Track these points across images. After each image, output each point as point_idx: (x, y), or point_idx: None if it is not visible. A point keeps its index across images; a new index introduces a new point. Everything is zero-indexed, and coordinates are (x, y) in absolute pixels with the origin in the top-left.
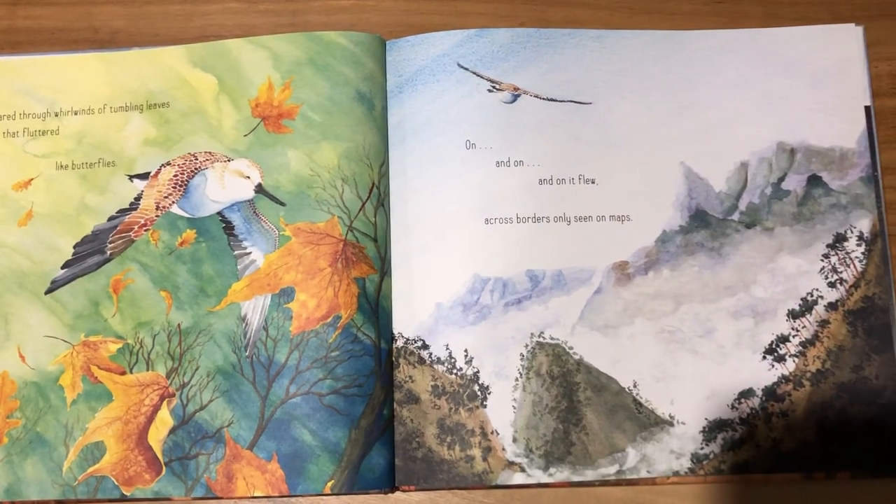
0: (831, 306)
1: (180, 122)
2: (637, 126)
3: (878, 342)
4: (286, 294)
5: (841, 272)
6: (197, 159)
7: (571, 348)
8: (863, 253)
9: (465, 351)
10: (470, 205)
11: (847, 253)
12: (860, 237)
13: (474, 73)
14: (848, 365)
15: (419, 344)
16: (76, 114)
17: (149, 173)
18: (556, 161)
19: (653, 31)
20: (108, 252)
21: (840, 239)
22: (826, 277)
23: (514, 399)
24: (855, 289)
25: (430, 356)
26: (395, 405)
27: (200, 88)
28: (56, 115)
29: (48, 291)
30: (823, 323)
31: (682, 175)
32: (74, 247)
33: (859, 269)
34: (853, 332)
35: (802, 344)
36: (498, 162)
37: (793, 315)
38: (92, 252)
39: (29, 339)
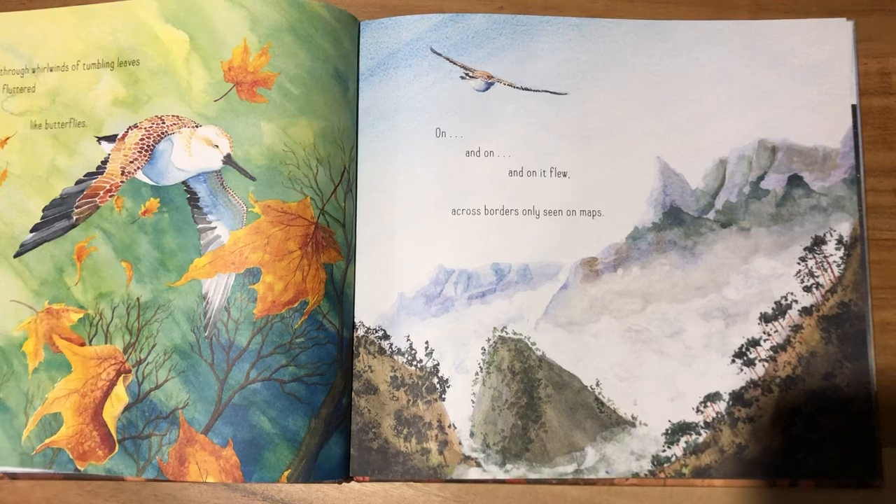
0: (805, 311)
1: (149, 81)
2: (613, 118)
3: (852, 350)
4: (252, 274)
5: (817, 276)
6: (164, 123)
7: (534, 344)
8: (841, 257)
9: (426, 343)
10: (437, 194)
11: (825, 257)
12: (839, 241)
13: (447, 59)
14: (819, 372)
15: (380, 334)
16: (51, 70)
17: (116, 136)
18: (527, 152)
19: (634, 20)
20: (75, 217)
21: (818, 242)
22: (802, 281)
23: (474, 393)
24: (831, 294)
25: (390, 347)
26: (353, 395)
27: (171, 46)
28: (33, 72)
29: (17, 255)
30: (796, 328)
31: (658, 171)
32: (43, 210)
33: (837, 273)
34: (826, 339)
35: (773, 349)
36: (468, 151)
37: (765, 319)
38: (59, 216)
39: None
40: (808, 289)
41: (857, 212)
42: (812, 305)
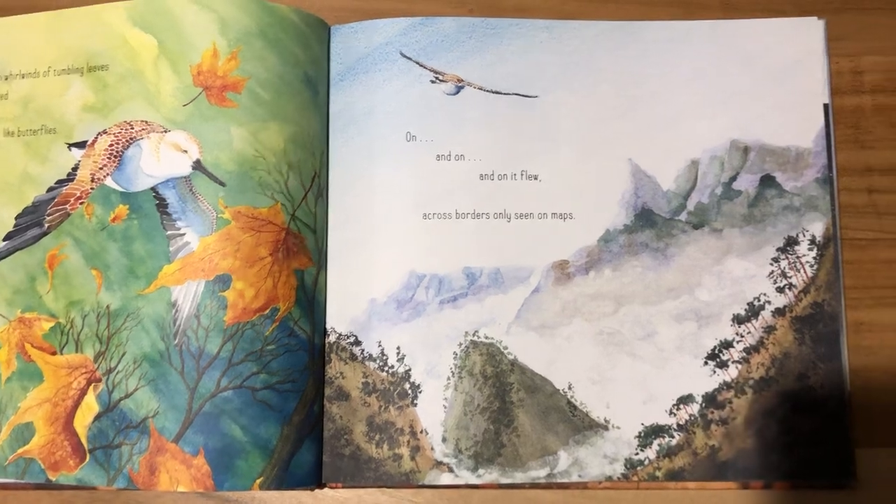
0: (778, 312)
1: (118, 86)
2: (584, 121)
3: (826, 350)
4: (222, 281)
5: (790, 277)
6: (133, 128)
7: (506, 348)
8: (814, 258)
9: (398, 348)
10: (408, 199)
11: (798, 257)
12: (812, 241)
13: (417, 62)
14: (793, 373)
15: (351, 340)
16: (24, 77)
17: (86, 142)
18: (498, 156)
19: (605, 21)
20: (46, 225)
21: (791, 242)
22: (775, 282)
23: (445, 398)
24: (804, 294)
25: (362, 352)
26: (325, 401)
27: (140, 50)
28: (6, 79)
29: None
30: (769, 329)
31: (629, 172)
32: (16, 218)
33: (810, 274)
34: (800, 340)
35: (746, 350)
36: (438, 155)
37: (738, 320)
38: (31, 224)
39: None
40: (780, 289)
41: (829, 211)
42: (785, 306)
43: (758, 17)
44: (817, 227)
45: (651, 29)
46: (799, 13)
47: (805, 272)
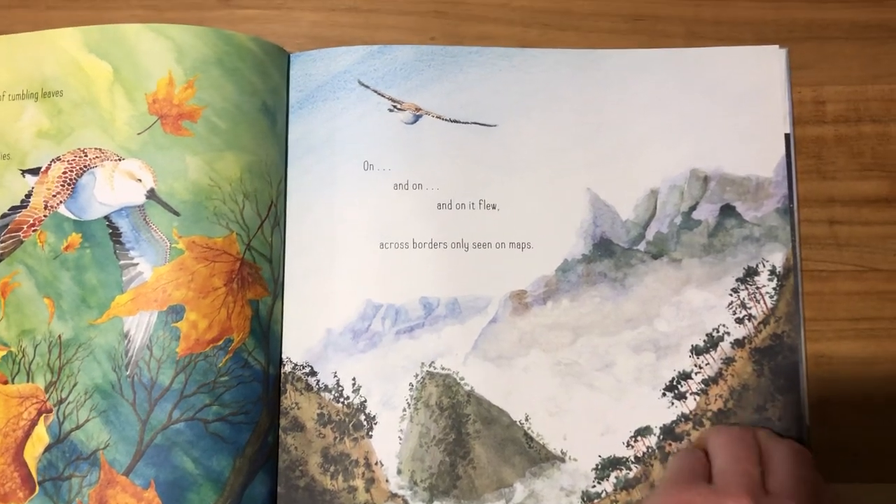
0: (738, 343)
1: (72, 112)
2: (543, 149)
3: (784, 382)
4: (175, 312)
5: (750, 308)
6: (87, 156)
7: (462, 379)
8: (774, 288)
9: (354, 379)
10: (365, 228)
11: (758, 288)
12: (772, 272)
13: (375, 91)
14: (751, 405)
15: (307, 370)
16: None
17: (40, 168)
18: (456, 185)
19: (565, 49)
20: None
21: (751, 273)
22: (734, 313)
23: (401, 430)
24: (763, 326)
25: (317, 383)
26: (280, 432)
27: (94, 76)
28: None
29: None
30: (728, 360)
31: (588, 202)
32: None
33: (769, 305)
34: (759, 371)
35: (705, 382)
36: (396, 184)
37: (696, 351)
38: None
39: None
40: (740, 320)
41: (790, 242)
42: (744, 337)
43: (721, 45)
44: (777, 258)
45: (612, 57)
46: (760, 42)
47: (765, 303)
